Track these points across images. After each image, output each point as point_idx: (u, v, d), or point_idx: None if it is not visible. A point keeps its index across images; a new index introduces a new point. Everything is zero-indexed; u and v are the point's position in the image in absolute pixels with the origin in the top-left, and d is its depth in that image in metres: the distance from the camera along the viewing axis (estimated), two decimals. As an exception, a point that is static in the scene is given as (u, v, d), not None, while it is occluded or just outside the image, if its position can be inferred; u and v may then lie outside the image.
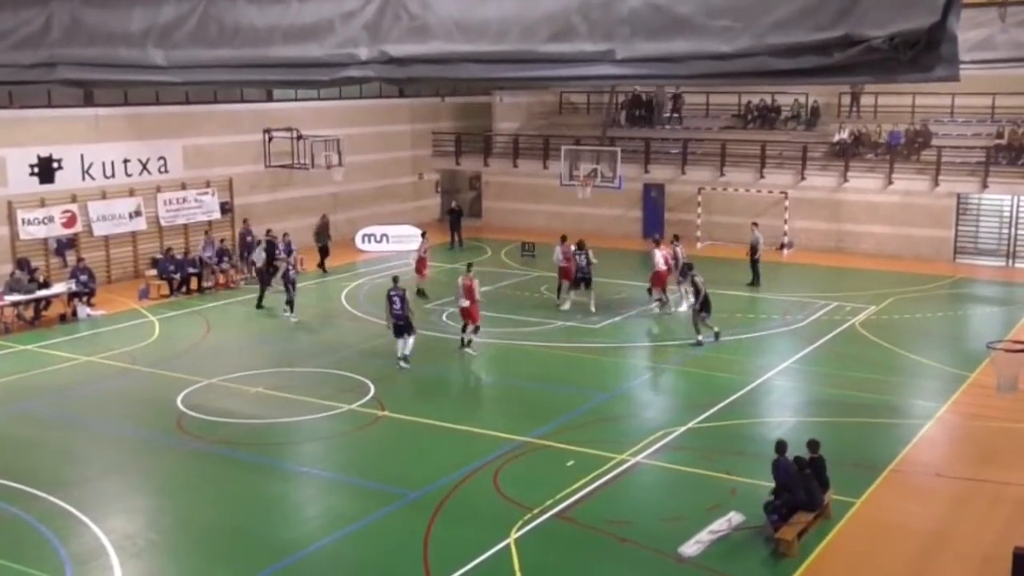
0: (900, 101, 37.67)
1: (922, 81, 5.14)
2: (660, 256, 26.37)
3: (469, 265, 23.84)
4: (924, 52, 4.92)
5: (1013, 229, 33.83)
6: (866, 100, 38.81)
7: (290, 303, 25.86)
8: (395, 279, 22.23)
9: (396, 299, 21.37)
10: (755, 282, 29.90)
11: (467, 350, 22.60)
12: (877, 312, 26.61)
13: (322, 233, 32.90)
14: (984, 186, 33.68)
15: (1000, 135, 35.06)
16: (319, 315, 26.62)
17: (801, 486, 13.72)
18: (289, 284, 25.88)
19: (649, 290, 27.29)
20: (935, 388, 20.42)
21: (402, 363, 21.43)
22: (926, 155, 35.24)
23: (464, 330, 22.75)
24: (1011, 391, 16.28)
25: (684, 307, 25.55)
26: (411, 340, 21.60)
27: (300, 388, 20.48)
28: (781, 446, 14.06)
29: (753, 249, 30.06)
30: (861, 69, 5.13)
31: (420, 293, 28.27)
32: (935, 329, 25.49)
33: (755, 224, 30.94)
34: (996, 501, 14.99)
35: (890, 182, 34.92)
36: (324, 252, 32.61)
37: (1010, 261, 33.57)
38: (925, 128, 36.26)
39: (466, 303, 22.30)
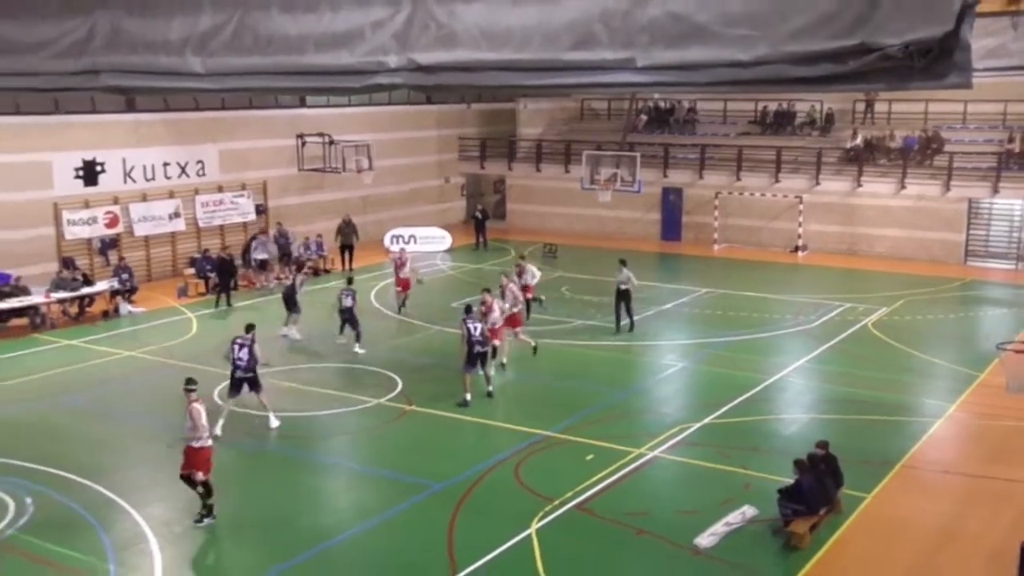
0: (913, 108, 37.38)
1: (935, 88, 5.11)
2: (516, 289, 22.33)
3: (191, 381, 14.59)
4: (937, 60, 4.89)
5: (1022, 233, 33.51)
6: (880, 107, 38.55)
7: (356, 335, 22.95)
8: None
9: None
10: (619, 329, 24.33)
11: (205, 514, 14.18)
12: (889, 313, 26.41)
13: (345, 233, 32.93)
14: (995, 191, 33.41)
15: (1011, 141, 34.71)
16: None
17: (819, 493, 13.62)
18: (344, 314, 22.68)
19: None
20: (945, 387, 20.25)
21: None
22: (938, 160, 34.97)
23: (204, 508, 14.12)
24: (1020, 391, 16.12)
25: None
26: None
27: (331, 383, 20.54)
28: (800, 465, 13.82)
29: (622, 293, 24.20)
30: (876, 76, 5.10)
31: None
32: (946, 330, 25.28)
33: (623, 262, 24.43)
34: (1004, 498, 14.84)
35: (903, 187, 34.67)
36: (348, 251, 32.69)
37: (1020, 264, 33.24)
38: (937, 134, 35.98)
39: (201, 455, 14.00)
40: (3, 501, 14.64)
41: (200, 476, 13.92)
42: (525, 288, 23.84)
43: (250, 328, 18.06)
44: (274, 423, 17.87)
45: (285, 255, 31.59)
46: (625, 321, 24.38)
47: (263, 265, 30.56)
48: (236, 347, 17.63)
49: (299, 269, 25.73)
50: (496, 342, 20.25)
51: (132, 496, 14.83)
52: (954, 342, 24.01)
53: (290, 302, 23.74)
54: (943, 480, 15.68)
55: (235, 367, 17.56)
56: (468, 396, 18.87)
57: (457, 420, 18.22)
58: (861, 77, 5.13)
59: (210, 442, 14.14)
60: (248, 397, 17.80)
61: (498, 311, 20.64)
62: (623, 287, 24.04)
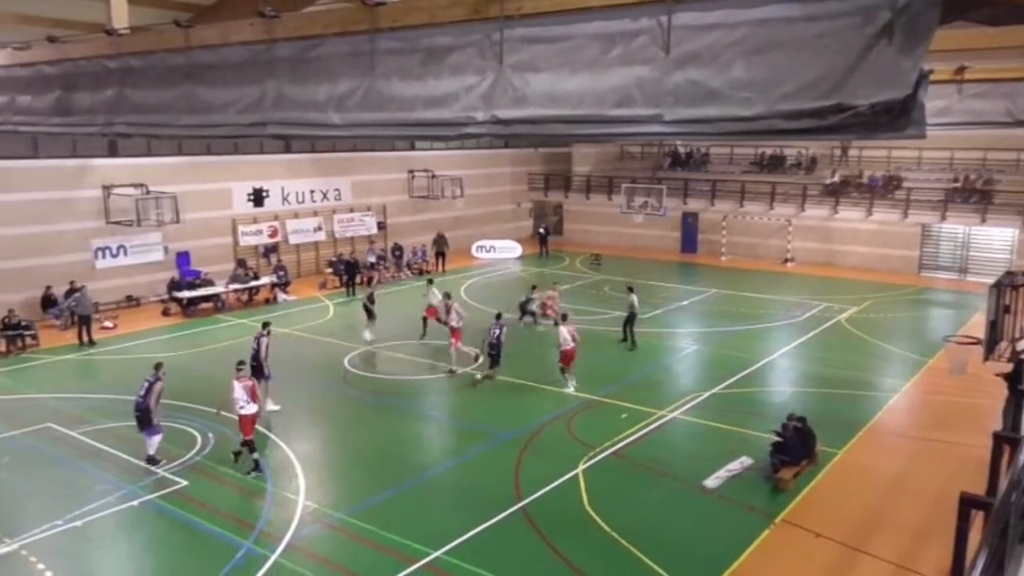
0: (878, 153, 36.32)
1: (896, 138, 4.98)
2: (566, 332, 17.77)
3: (241, 363, 14.13)
4: (899, 116, 4.78)
5: (964, 251, 32.31)
6: (852, 152, 37.47)
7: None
8: (157, 365, 13.96)
9: (144, 383, 13.66)
10: (632, 345, 21.23)
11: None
12: (858, 311, 25.69)
13: (439, 243, 33.25)
14: (943, 218, 32.31)
15: (956, 180, 33.55)
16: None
17: (801, 448, 13.37)
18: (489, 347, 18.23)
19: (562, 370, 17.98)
20: (901, 370, 19.63)
21: (151, 466, 13.50)
22: (898, 195, 33.91)
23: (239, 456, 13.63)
24: (960, 374, 15.60)
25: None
26: (155, 439, 13.61)
27: (429, 354, 20.69)
28: (785, 427, 13.62)
29: (630, 315, 21.47)
30: (849, 129, 5.00)
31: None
32: (902, 325, 24.49)
33: (630, 288, 22.16)
34: (946, 457, 14.35)
35: (870, 214, 33.69)
36: (441, 257, 32.91)
37: (962, 275, 32.07)
38: (897, 174, 34.92)
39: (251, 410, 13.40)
40: (194, 436, 15.10)
41: (243, 436, 13.39)
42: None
43: (266, 325, 16.96)
44: (271, 407, 16.23)
45: (397, 261, 32.07)
46: (627, 340, 21.39)
47: (373, 266, 31.06)
48: (253, 340, 16.60)
49: (368, 283, 25.24)
50: (563, 365, 17.85)
51: (284, 435, 15.16)
52: (908, 335, 23.26)
53: (368, 311, 22.21)
54: (898, 441, 15.22)
55: (252, 356, 16.13)
56: (493, 373, 18.09)
57: (523, 385, 18.20)
58: (838, 129, 5.04)
59: (246, 410, 13.26)
60: (385, 364, 17.86)
61: (455, 315, 19.27)
62: (630, 310, 21.44)
